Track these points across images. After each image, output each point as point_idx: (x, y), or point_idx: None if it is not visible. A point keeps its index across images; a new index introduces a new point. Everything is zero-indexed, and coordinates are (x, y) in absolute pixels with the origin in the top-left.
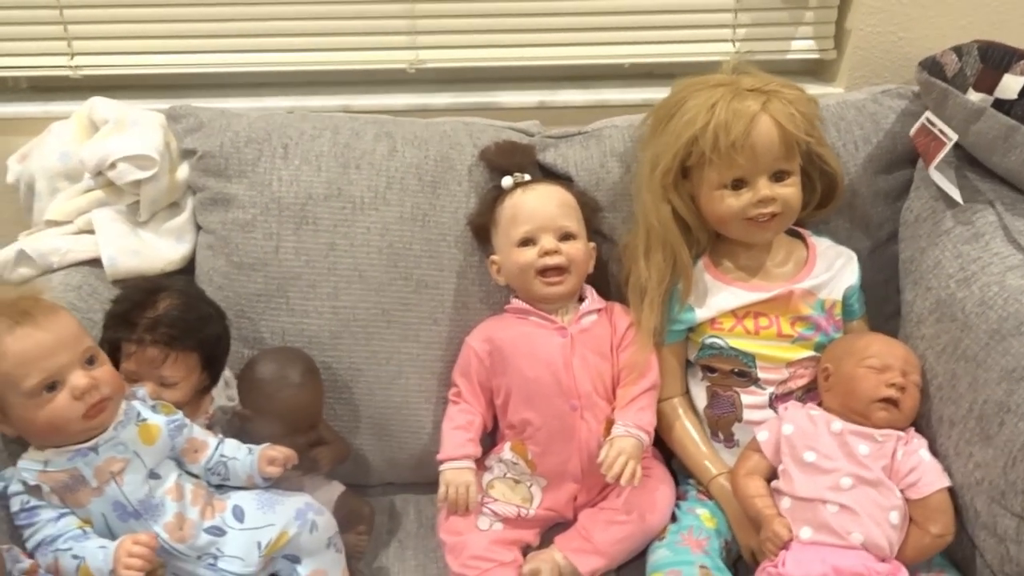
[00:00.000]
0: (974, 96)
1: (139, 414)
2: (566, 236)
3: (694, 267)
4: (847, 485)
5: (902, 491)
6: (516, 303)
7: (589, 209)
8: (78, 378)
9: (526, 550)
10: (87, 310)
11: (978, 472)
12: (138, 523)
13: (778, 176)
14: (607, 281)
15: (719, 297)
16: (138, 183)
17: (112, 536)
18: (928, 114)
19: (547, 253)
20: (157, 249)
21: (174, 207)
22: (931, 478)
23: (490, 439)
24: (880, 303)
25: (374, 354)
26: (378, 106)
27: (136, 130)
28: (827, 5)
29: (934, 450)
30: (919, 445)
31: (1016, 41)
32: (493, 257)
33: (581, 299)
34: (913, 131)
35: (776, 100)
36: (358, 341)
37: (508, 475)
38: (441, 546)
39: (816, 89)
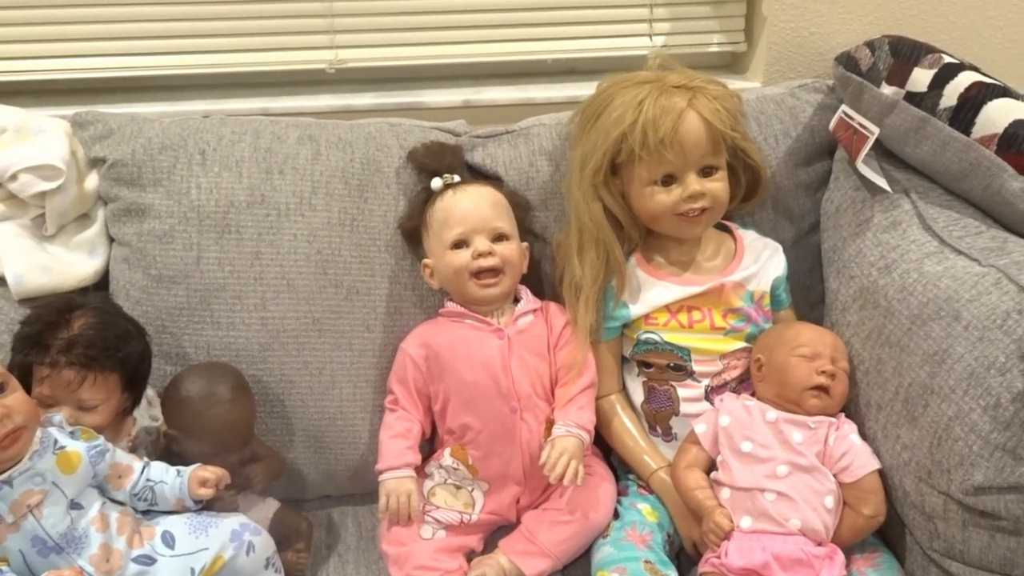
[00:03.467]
0: (887, 89)
1: (56, 442)
2: (499, 237)
3: (626, 263)
4: (783, 473)
5: (835, 475)
6: (451, 306)
7: (520, 209)
8: None
9: (470, 556)
10: None
11: (906, 453)
12: (60, 558)
13: (706, 171)
14: (540, 280)
15: (652, 293)
16: (43, 195)
17: (32, 574)
18: (844, 107)
19: (481, 255)
20: (68, 264)
21: (84, 219)
22: (862, 461)
23: (428, 445)
24: (804, 291)
25: (306, 364)
26: (298, 108)
27: (39, 138)
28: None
29: (863, 433)
30: (850, 430)
31: (919, 34)
32: (426, 261)
33: (516, 300)
34: (832, 125)
35: (702, 96)
36: (289, 352)
37: (449, 481)
38: (384, 558)
39: (733, 83)
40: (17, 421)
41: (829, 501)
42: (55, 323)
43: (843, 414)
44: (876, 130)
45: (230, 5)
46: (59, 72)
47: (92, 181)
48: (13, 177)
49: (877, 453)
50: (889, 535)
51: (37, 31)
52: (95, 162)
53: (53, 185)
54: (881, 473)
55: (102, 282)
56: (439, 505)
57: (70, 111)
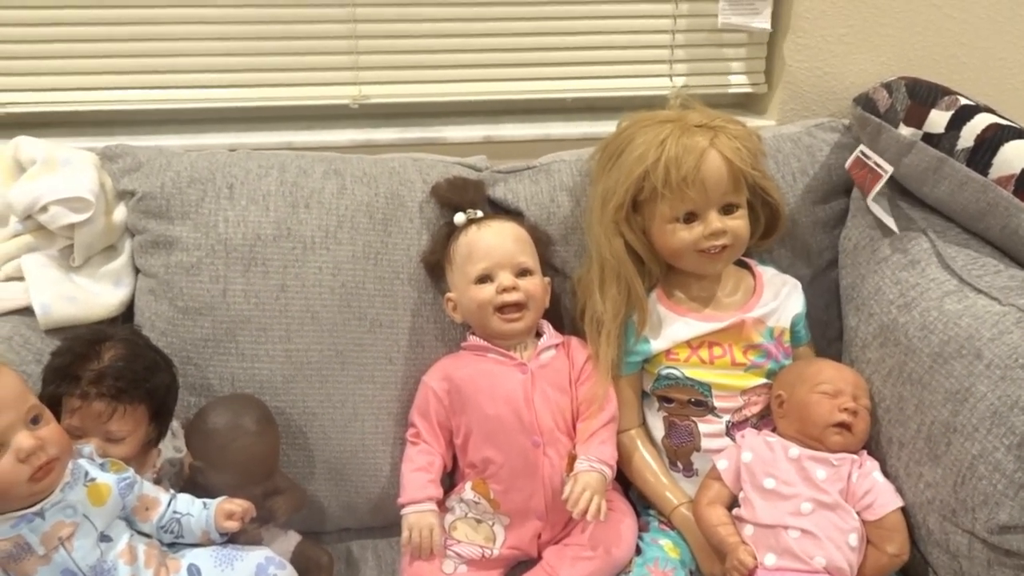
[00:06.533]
0: (905, 130)
1: (87, 473)
2: (523, 272)
3: (647, 299)
4: (807, 510)
5: (858, 513)
6: (473, 340)
7: (542, 244)
8: (23, 439)
9: None
10: (19, 363)
11: (929, 491)
12: None
13: (727, 209)
14: (560, 315)
15: (673, 328)
16: (71, 226)
17: None
18: (862, 147)
19: (505, 290)
20: (94, 295)
21: (110, 250)
22: (885, 499)
23: (449, 479)
24: (822, 328)
25: (329, 397)
26: (322, 142)
27: (68, 170)
28: (757, 42)
29: (885, 471)
30: (872, 467)
31: (931, 75)
32: (449, 295)
33: (538, 334)
34: (849, 163)
35: (723, 136)
36: (312, 384)
37: (470, 515)
38: None
39: (749, 121)
40: (51, 453)
41: (853, 539)
42: (85, 355)
43: (865, 451)
44: (890, 169)
45: (257, 41)
46: (86, 104)
47: (120, 213)
48: (43, 209)
49: (900, 491)
50: (913, 574)
51: (65, 64)
52: (123, 194)
53: (82, 217)
54: (904, 511)
55: (127, 313)
56: (460, 539)
57: (97, 143)
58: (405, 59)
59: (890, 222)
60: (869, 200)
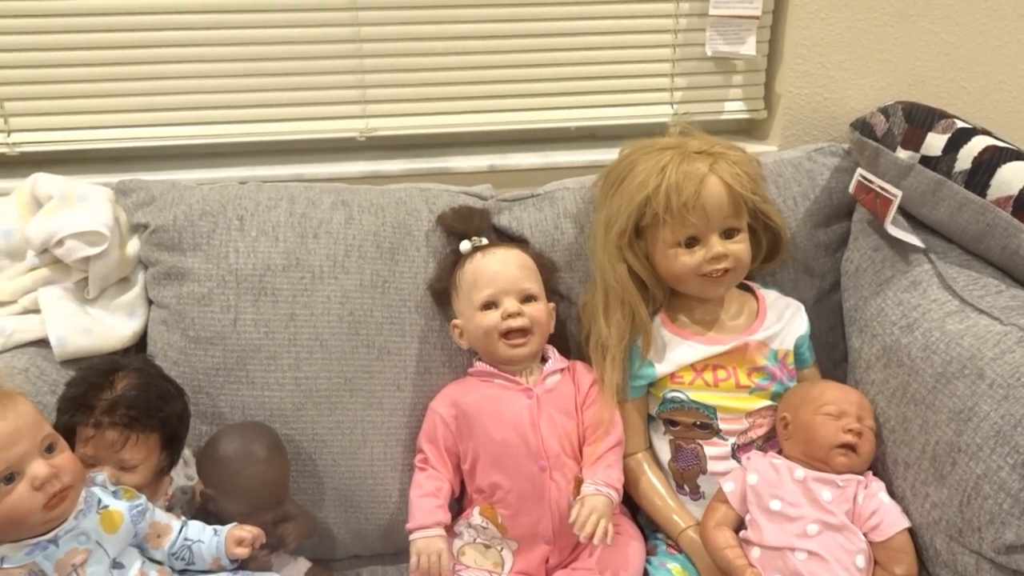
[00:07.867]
0: (903, 154)
1: (100, 501)
2: (528, 298)
3: (652, 323)
4: (814, 532)
5: (865, 534)
6: (480, 366)
7: (547, 270)
8: (38, 467)
9: None
10: (35, 393)
11: (935, 512)
12: None
13: (728, 233)
14: (566, 340)
15: (678, 351)
16: (87, 260)
17: None
18: (861, 171)
19: (510, 316)
20: (108, 326)
21: (124, 282)
22: (892, 520)
23: (457, 504)
24: (828, 349)
25: (338, 424)
26: (330, 174)
27: (83, 205)
28: (756, 69)
29: (891, 492)
30: (878, 488)
31: (930, 99)
32: (455, 321)
33: (544, 359)
34: (852, 188)
35: (723, 162)
36: (321, 412)
37: (478, 540)
38: None
39: (751, 147)
40: (65, 481)
41: (860, 560)
42: (99, 385)
43: (871, 472)
44: (899, 192)
45: (267, 78)
46: (101, 142)
47: (133, 246)
48: (59, 243)
49: (906, 511)
50: None
51: (80, 103)
52: (137, 227)
53: (97, 250)
54: (912, 532)
55: (140, 343)
56: (469, 564)
57: (112, 178)
58: (411, 92)
59: (914, 240)
60: (887, 225)
